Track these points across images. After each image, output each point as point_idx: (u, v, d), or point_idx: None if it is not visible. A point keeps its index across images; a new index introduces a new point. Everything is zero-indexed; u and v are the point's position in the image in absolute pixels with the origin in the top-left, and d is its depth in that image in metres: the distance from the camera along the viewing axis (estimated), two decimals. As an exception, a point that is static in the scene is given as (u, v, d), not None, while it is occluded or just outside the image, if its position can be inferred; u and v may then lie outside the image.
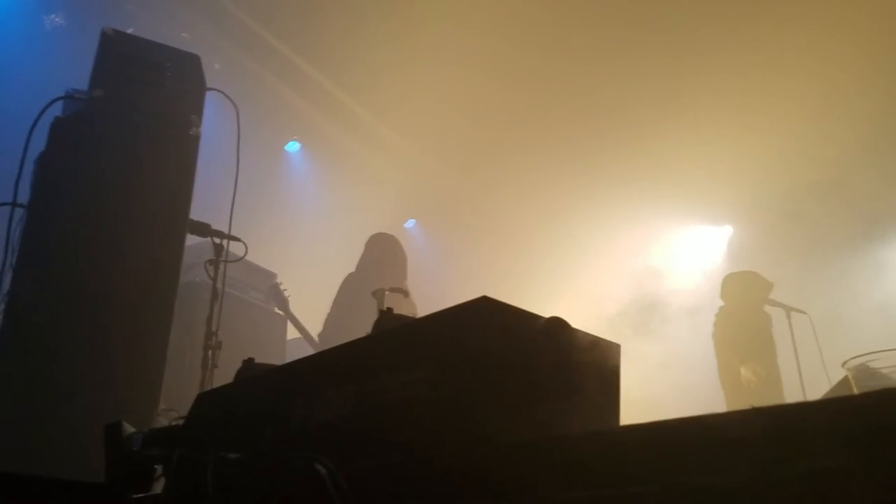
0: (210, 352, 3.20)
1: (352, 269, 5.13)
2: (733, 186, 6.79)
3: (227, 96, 3.43)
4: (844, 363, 1.34)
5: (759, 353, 5.05)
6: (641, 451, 0.93)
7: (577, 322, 1.24)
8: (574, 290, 6.78)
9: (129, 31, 3.40)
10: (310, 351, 4.57)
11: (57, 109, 3.06)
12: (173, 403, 3.15)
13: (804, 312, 5.24)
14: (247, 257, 3.95)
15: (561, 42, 5.98)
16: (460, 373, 1.11)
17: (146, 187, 2.95)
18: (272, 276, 5.19)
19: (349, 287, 4.90)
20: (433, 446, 1.09)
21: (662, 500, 0.87)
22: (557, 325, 1.20)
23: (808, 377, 4.88)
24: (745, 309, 5.23)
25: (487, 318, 1.14)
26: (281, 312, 4.95)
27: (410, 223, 8.52)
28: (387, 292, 3.67)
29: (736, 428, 0.89)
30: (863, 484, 0.79)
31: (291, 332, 5.16)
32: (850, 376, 1.33)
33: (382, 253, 4.99)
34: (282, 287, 4.93)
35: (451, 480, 1.05)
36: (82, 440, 2.21)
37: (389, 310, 1.45)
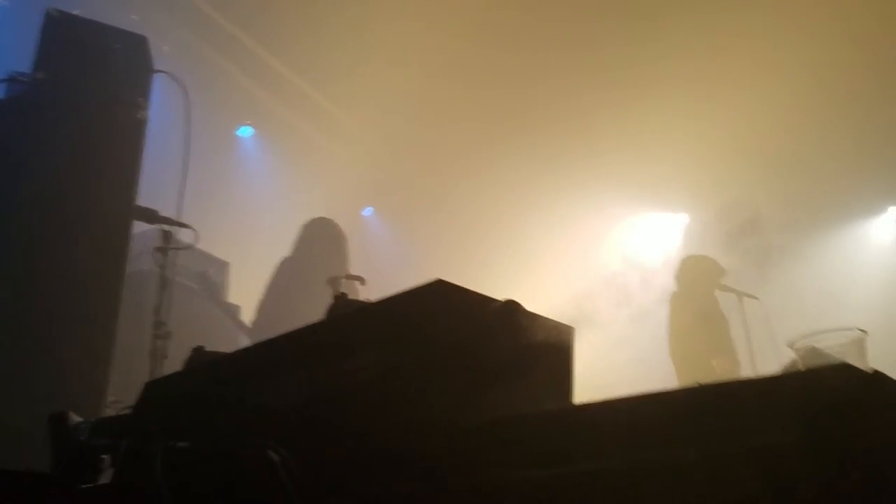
0: (159, 341, 3.13)
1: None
2: (690, 175, 6.91)
3: (175, 78, 3.34)
4: (791, 343, 1.37)
5: (719, 337, 5.12)
6: (594, 428, 0.94)
7: (534, 309, 1.24)
8: (532, 279, 6.82)
9: (75, 12, 3.29)
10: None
11: (-1, 91, 2.96)
12: (121, 395, 3.08)
13: (756, 298, 5.36)
14: (199, 246, 3.86)
15: (518, 33, 5.99)
16: (415, 355, 1.11)
17: (91, 172, 2.86)
18: (225, 264, 5.11)
19: (286, 271, 4.76)
20: (388, 430, 1.09)
21: (615, 476, 0.88)
22: (511, 307, 1.21)
23: (760, 363, 4.98)
24: (699, 292, 5.31)
25: (442, 300, 1.14)
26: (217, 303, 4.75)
27: (368, 211, 8.47)
28: (343, 280, 3.63)
29: (684, 404, 0.90)
30: (808, 457, 0.81)
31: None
32: (797, 356, 1.36)
33: (322, 237, 4.85)
34: (209, 273, 4.76)
35: (406, 463, 1.05)
36: (27, 432, 2.14)
37: (343, 294, 1.44)
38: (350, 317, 1.31)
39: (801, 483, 0.81)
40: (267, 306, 4.62)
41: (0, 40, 4.30)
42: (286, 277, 4.67)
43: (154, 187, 3.40)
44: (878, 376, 0.86)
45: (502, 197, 7.61)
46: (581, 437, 0.95)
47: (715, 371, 4.91)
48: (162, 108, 3.49)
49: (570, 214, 7.29)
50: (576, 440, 0.95)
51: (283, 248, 5.11)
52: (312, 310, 1.43)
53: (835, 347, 1.28)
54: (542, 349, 1.23)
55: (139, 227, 3.44)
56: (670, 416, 0.91)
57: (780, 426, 0.84)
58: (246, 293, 5.02)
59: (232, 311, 4.67)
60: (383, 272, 5.96)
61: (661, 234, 8.09)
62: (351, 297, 2.38)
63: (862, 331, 1.32)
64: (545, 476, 0.93)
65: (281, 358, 1.33)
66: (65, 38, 3.01)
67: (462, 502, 0.98)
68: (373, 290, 4.66)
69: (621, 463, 0.89)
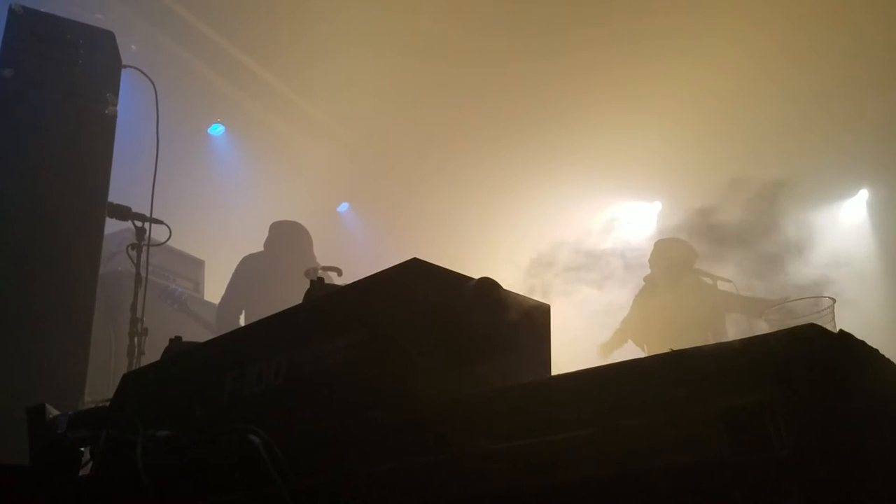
0: (136, 338, 3.10)
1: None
2: (662, 164, 6.97)
3: (143, 73, 3.31)
4: (761, 314, 1.40)
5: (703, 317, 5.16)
6: (571, 397, 0.95)
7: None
8: (510, 268, 6.82)
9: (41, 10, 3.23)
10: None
11: (-37, 89, 2.90)
12: (100, 396, 3.05)
13: (730, 281, 5.41)
14: (172, 244, 3.83)
15: (492, 22, 6.00)
16: (393, 334, 1.12)
17: (60, 168, 2.82)
18: (200, 262, 5.07)
19: (246, 270, 4.78)
20: (369, 408, 1.09)
21: (595, 442, 0.89)
22: (487, 285, 1.22)
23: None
24: (673, 274, 5.35)
25: (418, 279, 1.15)
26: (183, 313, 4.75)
27: (343, 207, 8.43)
28: (319, 270, 3.63)
29: (658, 370, 0.92)
30: (778, 416, 0.83)
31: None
32: (768, 325, 1.39)
33: (284, 238, 4.93)
34: (172, 287, 4.69)
35: (386, 439, 1.05)
36: (5, 436, 2.13)
37: (320, 279, 1.44)
38: (328, 300, 1.32)
39: (772, 442, 0.82)
40: (231, 301, 4.63)
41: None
42: (246, 276, 4.69)
43: (125, 185, 3.37)
44: (844, 336, 0.88)
45: (478, 189, 7.61)
46: (558, 407, 0.96)
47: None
48: (131, 105, 3.45)
49: (545, 202, 7.32)
50: (553, 410, 0.96)
51: (257, 245, 5.10)
52: (273, 306, 1.42)
53: (805, 315, 1.30)
54: (519, 325, 1.24)
55: (112, 227, 3.41)
56: (645, 382, 0.93)
57: (750, 387, 0.86)
58: (222, 290, 4.99)
59: (204, 316, 4.66)
60: (360, 267, 5.94)
61: (635, 222, 8.14)
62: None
63: (831, 298, 1.35)
64: (525, 446, 0.94)
65: (260, 343, 1.34)
66: (29, 33, 2.96)
67: (444, 476, 0.99)
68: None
69: (599, 430, 0.91)
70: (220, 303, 4.70)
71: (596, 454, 0.90)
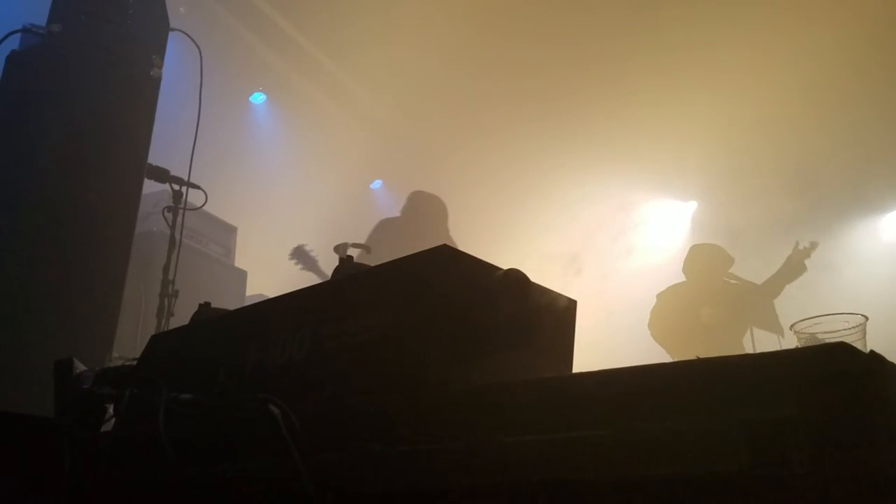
0: (166, 300, 3.15)
1: (313, 228, 5.11)
2: (700, 163, 6.90)
3: (190, 38, 3.33)
4: (793, 326, 1.38)
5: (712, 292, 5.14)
6: (592, 397, 0.95)
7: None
8: (540, 254, 6.83)
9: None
10: None
11: (14, 43, 2.95)
12: (127, 353, 3.11)
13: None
14: (207, 209, 3.89)
15: (533, 17, 5.97)
16: (417, 319, 1.12)
17: (103, 127, 2.86)
18: (233, 229, 5.13)
19: (387, 233, 4.86)
20: (388, 390, 1.10)
21: (611, 444, 0.89)
22: (515, 276, 1.21)
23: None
24: (706, 280, 5.31)
25: (446, 266, 1.15)
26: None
27: (377, 184, 8.46)
28: (349, 247, 3.66)
29: (682, 377, 0.91)
30: (800, 433, 0.82)
31: (251, 289, 5.12)
32: (798, 339, 1.37)
33: (424, 208, 5.00)
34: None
35: (402, 423, 1.06)
36: (33, 387, 2.18)
37: (350, 258, 1.45)
38: (355, 279, 1.32)
39: (791, 459, 0.81)
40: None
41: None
42: (379, 239, 4.76)
43: (165, 147, 3.41)
44: (874, 356, 0.87)
45: (513, 177, 7.60)
46: (577, 406, 0.96)
47: (702, 320, 4.92)
48: (176, 67, 3.48)
49: (581, 191, 7.30)
50: (571, 408, 0.96)
51: (290, 215, 5.14)
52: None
53: (836, 331, 1.28)
54: (544, 319, 1.23)
55: (149, 187, 3.45)
56: (666, 388, 0.92)
57: (774, 401, 0.85)
58: (252, 258, 5.05)
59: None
60: (391, 245, 5.98)
61: (670, 221, 8.08)
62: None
63: (863, 316, 1.33)
64: (540, 441, 0.94)
65: (286, 316, 1.35)
66: (80, -10, 3.00)
67: (458, 464, 0.99)
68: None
69: (617, 432, 0.90)
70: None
71: (611, 456, 0.89)
